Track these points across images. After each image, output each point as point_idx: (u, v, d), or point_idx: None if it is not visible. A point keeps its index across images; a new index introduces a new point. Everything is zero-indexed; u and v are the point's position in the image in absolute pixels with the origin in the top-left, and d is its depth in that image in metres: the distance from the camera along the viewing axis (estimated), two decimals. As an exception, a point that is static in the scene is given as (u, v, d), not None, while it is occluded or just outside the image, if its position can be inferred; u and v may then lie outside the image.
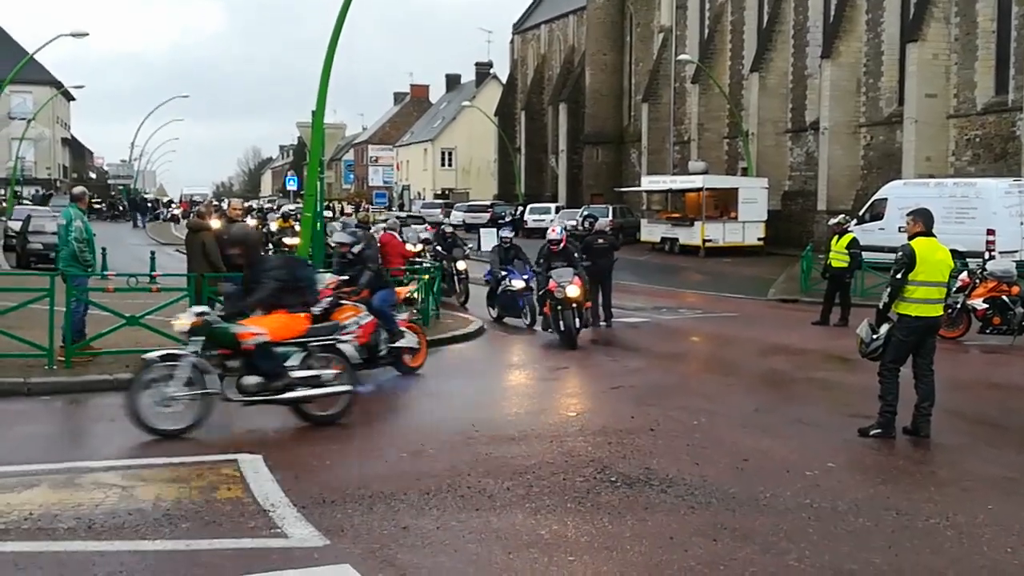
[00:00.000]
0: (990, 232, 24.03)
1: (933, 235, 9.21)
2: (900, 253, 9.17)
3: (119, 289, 13.29)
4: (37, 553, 5.84)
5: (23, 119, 59.19)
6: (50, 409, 10.46)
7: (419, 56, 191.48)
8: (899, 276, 9.06)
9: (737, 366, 13.74)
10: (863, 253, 19.02)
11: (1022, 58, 29.04)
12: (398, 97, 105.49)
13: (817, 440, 9.15)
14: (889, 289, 9.20)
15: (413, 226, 26.47)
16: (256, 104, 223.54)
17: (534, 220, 48.27)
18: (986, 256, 19.80)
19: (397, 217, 23.62)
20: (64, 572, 5.63)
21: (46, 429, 9.73)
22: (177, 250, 31.76)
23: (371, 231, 17.31)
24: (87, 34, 41.80)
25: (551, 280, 15.37)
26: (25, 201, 51.50)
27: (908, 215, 9.52)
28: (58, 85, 68.20)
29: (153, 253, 22.63)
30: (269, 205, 62.88)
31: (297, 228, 30.75)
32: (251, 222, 14.89)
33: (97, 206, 60.71)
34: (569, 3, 61.69)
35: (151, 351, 12.23)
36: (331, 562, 5.76)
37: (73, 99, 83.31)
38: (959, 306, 15.72)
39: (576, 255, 16.25)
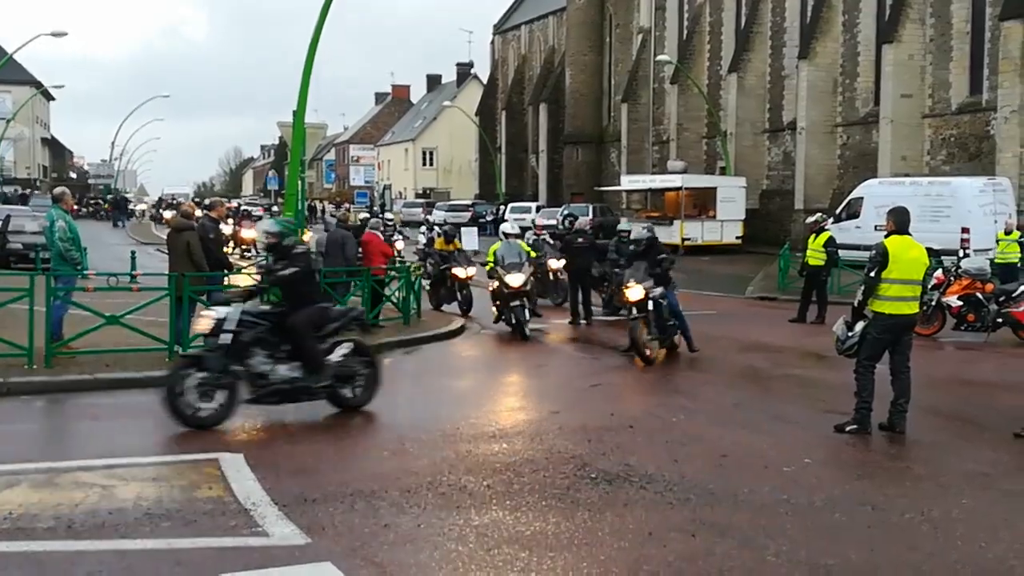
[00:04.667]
0: (964, 230, 24.24)
1: (908, 233, 9.31)
2: (873, 251, 9.27)
3: (99, 288, 13.24)
4: (16, 553, 5.83)
5: (2, 119, 58.63)
6: (30, 408, 10.42)
7: (400, 56, 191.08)
8: (872, 274, 9.15)
9: (715, 363, 13.82)
10: (839, 251, 19.16)
11: (996, 59, 29.28)
12: (379, 97, 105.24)
13: (794, 436, 9.23)
14: (863, 287, 9.30)
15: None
16: (237, 104, 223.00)
17: (515, 219, 48.29)
18: (960, 254, 19.97)
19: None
20: (43, 572, 5.62)
21: (26, 428, 9.68)
22: (158, 249, 31.60)
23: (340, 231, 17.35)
24: (67, 33, 41.58)
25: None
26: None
27: (887, 213, 9.64)
28: (38, 85, 67.65)
29: (134, 253, 22.55)
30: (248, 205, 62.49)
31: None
32: (198, 213, 14.95)
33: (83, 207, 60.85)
34: (549, 4, 61.74)
35: (132, 351, 12.28)
36: (312, 560, 5.78)
37: (53, 99, 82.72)
38: (934, 303, 15.87)
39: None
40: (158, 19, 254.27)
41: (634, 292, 13.46)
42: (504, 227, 18.67)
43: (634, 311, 13.44)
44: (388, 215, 42.58)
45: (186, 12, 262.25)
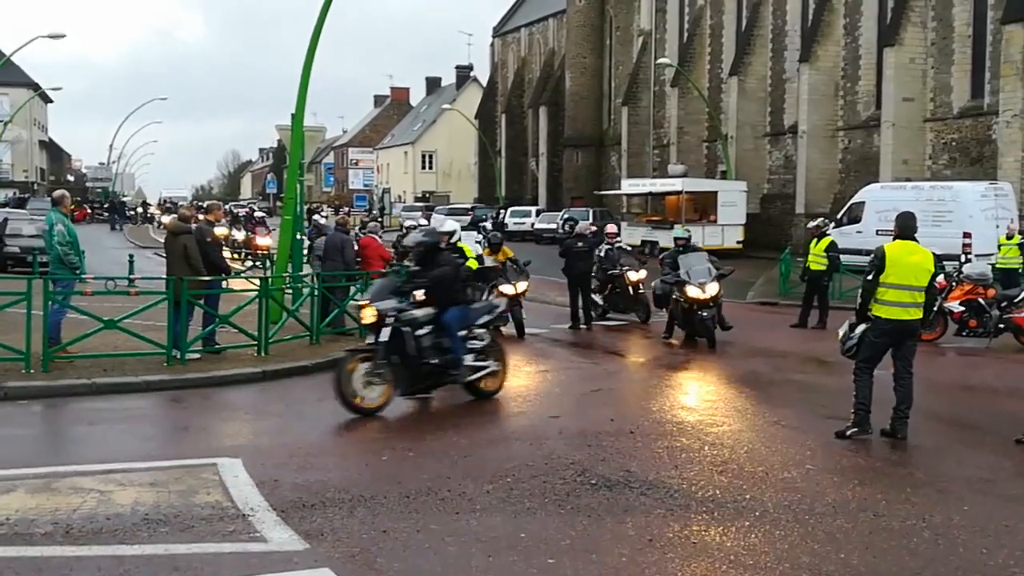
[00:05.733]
0: (966, 235, 24.22)
1: (913, 239, 9.24)
2: (872, 255, 9.26)
3: (97, 292, 13.21)
4: (14, 558, 5.80)
5: (-1, 121, 58.71)
6: (27, 413, 10.38)
7: (399, 59, 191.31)
8: (869, 278, 9.15)
9: (716, 368, 13.79)
10: (841, 256, 19.14)
11: (997, 62, 29.30)
12: (378, 100, 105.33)
13: (795, 442, 9.20)
14: (861, 290, 9.29)
15: None
16: (235, 106, 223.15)
17: (515, 223, 48.41)
18: (962, 259, 19.94)
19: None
20: (41, 577, 5.60)
21: (23, 433, 9.65)
22: (156, 253, 31.54)
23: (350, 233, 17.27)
24: (64, 35, 41.64)
25: None
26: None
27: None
28: (35, 87, 67.70)
29: (132, 256, 22.47)
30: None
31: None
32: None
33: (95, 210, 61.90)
34: (549, 6, 61.83)
35: (130, 355, 12.24)
36: (311, 566, 5.76)
37: (50, 101, 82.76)
38: (935, 309, 15.82)
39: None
40: (155, 21, 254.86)
41: (367, 314, 10.22)
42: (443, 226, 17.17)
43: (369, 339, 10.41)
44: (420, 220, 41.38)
45: (183, 15, 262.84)
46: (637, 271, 18.17)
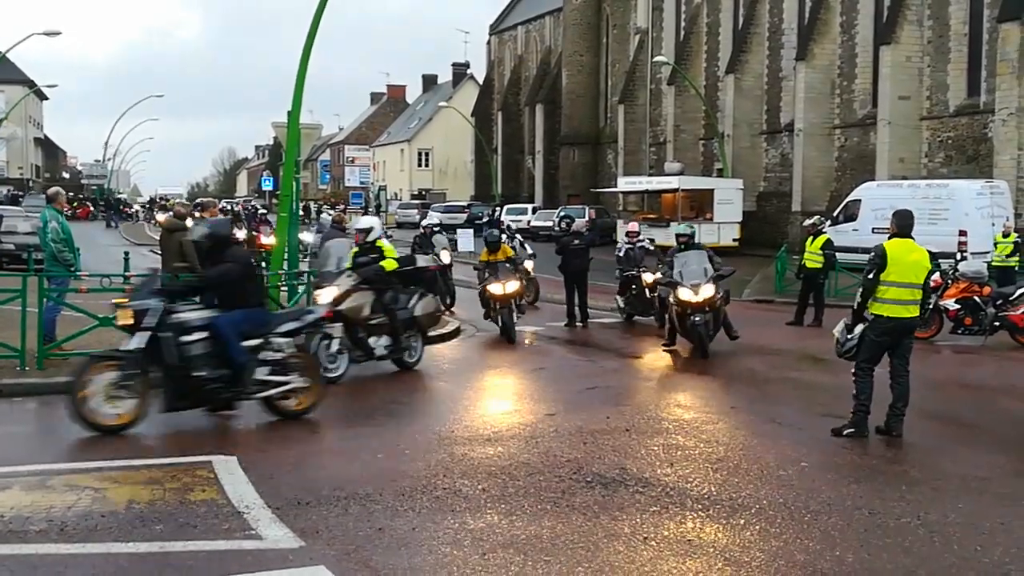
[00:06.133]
0: (962, 233, 24.26)
1: (911, 237, 9.26)
2: (872, 253, 9.27)
3: (92, 290, 13.19)
4: (8, 556, 5.80)
5: (-6, 119, 58.58)
6: (22, 410, 10.38)
7: (395, 56, 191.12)
8: (870, 276, 9.15)
9: (711, 366, 13.78)
10: (837, 254, 19.16)
11: (993, 60, 29.33)
12: (375, 97, 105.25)
13: (791, 440, 9.21)
14: (861, 289, 9.29)
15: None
16: (232, 104, 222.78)
17: (511, 220, 48.42)
18: (958, 257, 19.97)
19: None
20: (36, 575, 5.59)
21: (18, 430, 9.65)
22: (151, 250, 31.49)
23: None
24: (60, 32, 41.61)
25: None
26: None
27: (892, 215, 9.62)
28: (31, 84, 67.62)
29: (127, 253, 22.44)
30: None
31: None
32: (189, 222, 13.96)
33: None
34: (546, 4, 61.80)
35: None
36: (306, 564, 5.76)
37: (46, 98, 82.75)
38: (931, 307, 15.85)
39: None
40: (152, 19, 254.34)
41: (122, 315, 9.08)
42: (360, 221, 14.75)
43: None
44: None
45: (182, 14, 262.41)
46: (653, 272, 17.07)
